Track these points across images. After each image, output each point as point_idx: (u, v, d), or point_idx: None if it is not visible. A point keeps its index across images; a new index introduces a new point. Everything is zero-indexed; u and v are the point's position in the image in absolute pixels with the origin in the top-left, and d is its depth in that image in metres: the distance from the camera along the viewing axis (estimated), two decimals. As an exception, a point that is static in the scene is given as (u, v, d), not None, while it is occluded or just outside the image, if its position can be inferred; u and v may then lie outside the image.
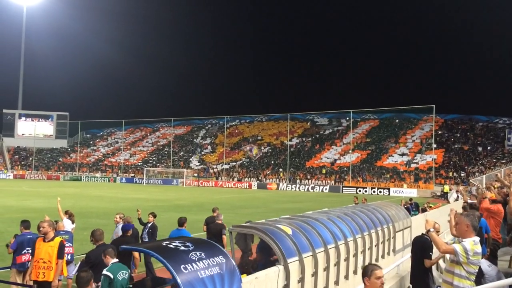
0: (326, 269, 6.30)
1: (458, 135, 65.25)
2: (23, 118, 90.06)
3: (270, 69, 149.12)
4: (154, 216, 10.32)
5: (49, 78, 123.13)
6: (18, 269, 7.42)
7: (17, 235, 7.78)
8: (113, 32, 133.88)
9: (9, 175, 74.64)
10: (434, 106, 58.49)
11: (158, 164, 77.73)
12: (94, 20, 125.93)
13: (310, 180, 60.98)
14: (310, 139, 75.99)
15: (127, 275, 5.66)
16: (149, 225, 10.14)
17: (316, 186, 57.63)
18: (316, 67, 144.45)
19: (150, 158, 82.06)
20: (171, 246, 4.78)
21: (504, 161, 52.04)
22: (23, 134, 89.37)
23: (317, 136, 76.64)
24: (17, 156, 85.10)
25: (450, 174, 54.47)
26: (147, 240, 9.82)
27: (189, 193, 45.77)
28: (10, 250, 7.54)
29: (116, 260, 5.75)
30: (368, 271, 4.06)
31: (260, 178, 64.85)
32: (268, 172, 66.59)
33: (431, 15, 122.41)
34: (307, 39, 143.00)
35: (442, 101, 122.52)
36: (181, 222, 9.64)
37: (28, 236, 7.47)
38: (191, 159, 78.26)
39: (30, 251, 7.32)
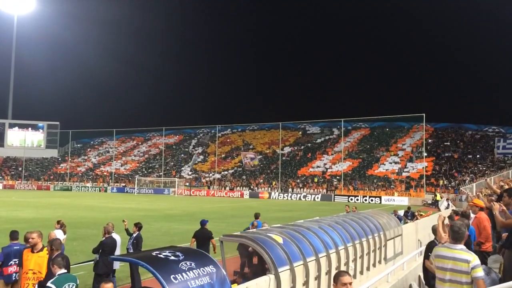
0: (317, 278, 6.29)
1: (448, 143, 65.81)
2: (13, 128, 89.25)
3: (262, 78, 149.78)
4: (139, 227, 10.19)
5: (40, 88, 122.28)
6: (5, 281, 7.30)
7: (4, 246, 7.67)
8: (104, 41, 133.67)
9: (-2, 186, 73.72)
10: (424, 115, 59.04)
11: (149, 174, 77.34)
12: (85, 30, 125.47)
13: (302, 189, 61.01)
14: (301, 148, 76.18)
15: (74, 286, 5.38)
16: (134, 235, 10.02)
17: (308, 195, 57.67)
18: (308, 76, 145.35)
19: (142, 167, 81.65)
20: (161, 256, 4.75)
21: (493, 169, 52.51)
22: (12, 144, 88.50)
23: (309, 145, 76.86)
24: (6, 167, 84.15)
25: (441, 182, 54.81)
26: (131, 251, 9.68)
27: (180, 202, 45.52)
28: (-3, 262, 7.42)
29: (64, 270, 5.48)
30: (335, 278, 4.17)
31: (252, 187, 64.76)
32: (260, 181, 66.53)
33: (420, 24, 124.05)
34: (298, 48, 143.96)
35: (432, 110, 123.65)
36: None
37: (15, 247, 7.36)
38: (182, 168, 77.99)
39: (17, 262, 7.21)
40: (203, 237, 10.58)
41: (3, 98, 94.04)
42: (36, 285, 5.31)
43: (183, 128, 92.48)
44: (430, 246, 6.92)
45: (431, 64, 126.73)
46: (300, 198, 57.11)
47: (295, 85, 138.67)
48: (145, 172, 78.57)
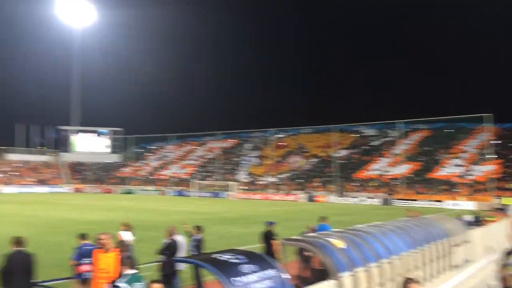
0: (382, 284, 6.13)
1: (517, 144, 61.82)
2: (79, 134, 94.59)
3: (315, 80, 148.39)
4: (199, 230, 10.41)
5: (106, 96, 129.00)
6: (78, 280, 7.75)
7: (76, 247, 8.14)
8: (161, 50, 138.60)
9: (67, 189, 78.46)
10: (492, 115, 56.04)
11: (206, 177, 78.97)
12: (143, 40, 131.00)
13: (359, 193, 59.74)
14: (357, 150, 74.67)
15: (141, 286, 5.51)
16: (195, 238, 10.24)
17: (365, 199, 56.36)
18: (363, 76, 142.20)
19: (198, 171, 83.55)
20: (222, 258, 4.84)
21: None
22: (79, 150, 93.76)
23: (365, 147, 75.19)
24: (75, 171, 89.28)
25: (510, 186, 51.60)
26: (193, 253, 9.93)
27: (236, 206, 46.07)
28: (73, 262, 7.89)
29: (132, 271, 5.65)
30: (405, 285, 3.97)
31: (307, 190, 64.31)
32: (315, 185, 65.95)
33: (490, 15, 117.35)
34: (353, 48, 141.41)
35: (498, 109, 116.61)
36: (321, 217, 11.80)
37: (87, 248, 7.79)
38: (238, 172, 78.94)
39: (89, 261, 7.63)
40: (268, 238, 10.63)
41: (70, 106, 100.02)
42: (111, 285, 5.59)
43: (237, 132, 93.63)
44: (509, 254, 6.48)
45: (492, 62, 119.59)
46: (357, 202, 55.95)
47: (350, 86, 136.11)
48: (202, 176, 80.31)
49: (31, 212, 33.11)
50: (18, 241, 7.35)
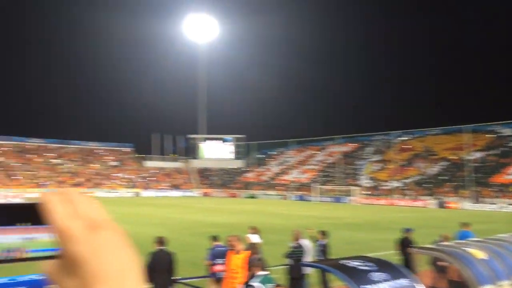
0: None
1: None
2: (206, 142, 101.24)
3: (443, 78, 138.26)
4: (325, 235, 10.36)
5: (228, 105, 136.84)
6: (213, 278, 8.28)
7: (209, 248, 8.71)
8: (279, 59, 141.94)
9: (196, 193, 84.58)
10: None
11: (326, 182, 78.42)
12: (261, 50, 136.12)
13: (498, 198, 53.93)
14: (494, 152, 67.53)
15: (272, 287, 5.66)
16: (321, 243, 10.21)
17: (506, 206, 50.70)
18: (497, 71, 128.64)
19: (319, 176, 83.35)
20: (350, 264, 4.76)
21: None
22: (207, 156, 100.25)
23: (504, 148, 67.67)
24: (202, 176, 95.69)
25: None
26: (319, 258, 9.91)
27: (359, 211, 44.91)
28: (207, 262, 8.49)
29: (264, 272, 5.78)
30: None
31: (437, 196, 60.02)
32: (446, 190, 61.25)
33: None
34: (486, 42, 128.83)
35: None
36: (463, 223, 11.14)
37: (219, 249, 8.30)
38: (359, 176, 76.92)
39: (222, 262, 8.11)
40: (405, 245, 10.21)
41: (199, 116, 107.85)
42: (245, 285, 5.90)
43: (358, 135, 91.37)
44: None
45: None
46: (496, 209, 50.57)
47: (482, 83, 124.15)
48: (323, 180, 79.94)
49: (166, 214, 36.30)
50: (160, 241, 8.13)
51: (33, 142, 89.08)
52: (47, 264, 0.54)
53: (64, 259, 0.51)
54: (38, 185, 73.21)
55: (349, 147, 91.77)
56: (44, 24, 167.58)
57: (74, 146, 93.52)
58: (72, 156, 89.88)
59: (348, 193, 68.35)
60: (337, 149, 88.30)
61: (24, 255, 0.55)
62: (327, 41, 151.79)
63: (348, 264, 4.88)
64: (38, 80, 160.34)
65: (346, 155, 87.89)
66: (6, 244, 0.54)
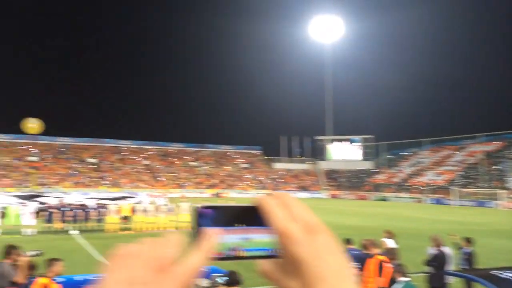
0: None
1: None
2: (334, 143, 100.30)
3: None
4: (470, 242, 9.41)
5: (355, 105, 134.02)
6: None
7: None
8: (407, 55, 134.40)
9: (324, 195, 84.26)
10: None
11: (467, 184, 71.74)
12: (388, 48, 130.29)
13: None
14: None
15: None
16: (465, 251, 9.33)
17: None
18: None
19: (458, 178, 76.65)
20: (503, 276, 4.22)
21: None
22: (334, 158, 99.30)
23: None
24: (330, 178, 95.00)
25: None
26: (463, 267, 9.05)
27: (509, 217, 40.17)
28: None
29: (406, 278, 5.44)
30: None
31: None
32: None
33: None
34: None
35: None
36: None
37: (353, 252, 8.10)
38: (508, 178, 68.77)
39: (355, 266, 7.90)
40: None
41: (326, 117, 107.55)
42: None
43: (504, 133, 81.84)
44: None
45: None
46: None
47: None
48: (463, 182, 73.35)
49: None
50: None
51: (175, 147, 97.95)
52: (264, 263, 0.57)
53: (284, 259, 0.54)
54: (179, 186, 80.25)
55: (493, 145, 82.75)
56: (185, 37, 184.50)
57: (209, 149, 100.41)
58: (208, 159, 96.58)
59: (494, 197, 61.66)
60: (479, 148, 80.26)
61: (241, 254, 0.60)
62: (465, 35, 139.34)
63: (501, 275, 4.37)
64: (178, 93, 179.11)
65: (490, 154, 79.39)
66: (229, 244, 0.59)
